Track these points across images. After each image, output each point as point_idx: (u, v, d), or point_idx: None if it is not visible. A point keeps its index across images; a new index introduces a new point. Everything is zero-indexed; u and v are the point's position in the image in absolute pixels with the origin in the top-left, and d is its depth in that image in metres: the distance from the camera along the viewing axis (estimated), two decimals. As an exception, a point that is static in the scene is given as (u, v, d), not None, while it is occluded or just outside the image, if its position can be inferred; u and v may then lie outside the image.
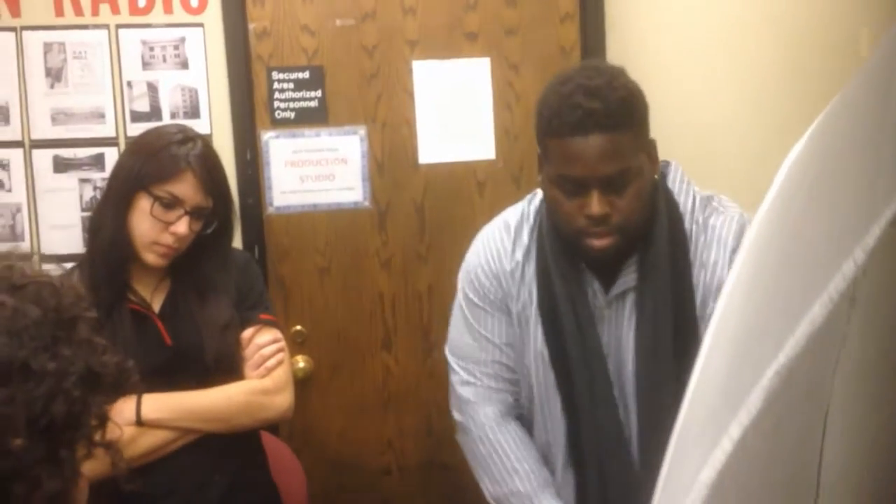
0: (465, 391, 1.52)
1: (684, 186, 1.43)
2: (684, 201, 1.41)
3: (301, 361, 2.38)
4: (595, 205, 1.25)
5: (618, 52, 2.36)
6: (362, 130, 2.37)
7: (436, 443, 2.43)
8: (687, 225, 1.40)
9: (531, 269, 1.44)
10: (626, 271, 1.39)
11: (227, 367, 1.60)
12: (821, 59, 2.38)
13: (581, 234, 1.31)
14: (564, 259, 1.39)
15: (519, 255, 1.46)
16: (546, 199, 1.37)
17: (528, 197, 1.53)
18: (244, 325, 1.65)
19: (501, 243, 1.48)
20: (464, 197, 2.42)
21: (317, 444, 2.42)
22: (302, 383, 2.38)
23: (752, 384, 0.33)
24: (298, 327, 2.38)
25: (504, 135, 2.42)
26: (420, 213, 2.41)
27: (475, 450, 1.52)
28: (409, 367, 2.45)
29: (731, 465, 0.34)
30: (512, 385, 1.52)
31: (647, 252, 1.35)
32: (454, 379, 1.55)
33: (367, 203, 2.39)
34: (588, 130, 1.22)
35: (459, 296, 1.54)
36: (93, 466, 0.90)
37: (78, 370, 0.79)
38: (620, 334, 1.41)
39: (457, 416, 1.56)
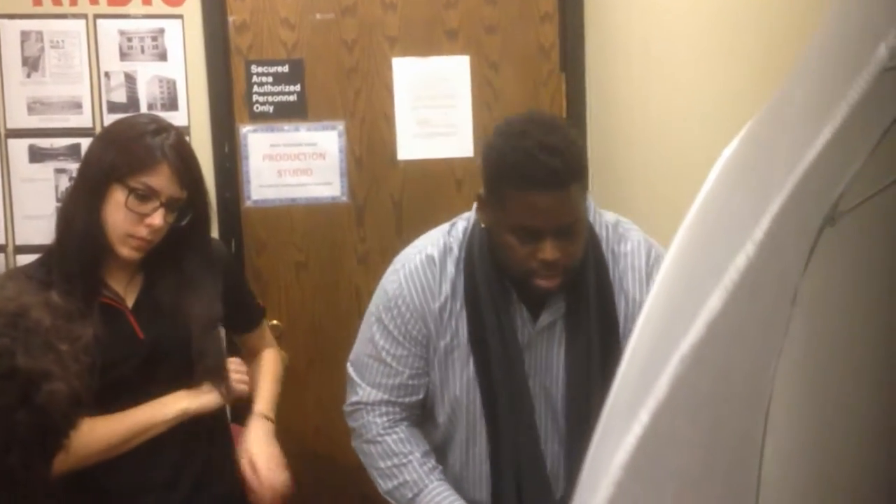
0: (360, 405, 1.57)
1: (597, 217, 1.51)
2: (599, 231, 1.50)
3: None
4: (549, 251, 1.33)
5: (596, 51, 2.38)
6: (341, 125, 2.37)
7: (410, 438, 2.44)
8: (604, 253, 1.49)
9: (459, 302, 1.48)
10: (553, 300, 1.46)
11: (211, 363, 1.59)
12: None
13: (531, 275, 1.38)
14: (497, 292, 1.45)
15: (447, 290, 1.49)
16: (496, 243, 1.42)
17: (446, 227, 1.55)
18: (242, 318, 1.72)
19: (426, 280, 1.49)
20: (442, 194, 2.43)
21: (292, 438, 2.42)
22: (277, 377, 2.38)
23: (661, 371, 0.34)
24: (275, 322, 2.38)
25: (483, 132, 2.42)
26: (398, 209, 2.42)
27: (367, 451, 1.60)
28: (384, 363, 2.45)
29: (644, 449, 0.35)
30: (409, 406, 1.57)
31: (575, 283, 1.43)
32: (351, 390, 1.60)
33: (344, 198, 2.39)
34: (549, 187, 1.29)
35: (372, 318, 1.55)
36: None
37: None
38: (550, 360, 1.49)
39: (350, 422, 1.62)
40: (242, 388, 1.66)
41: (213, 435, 1.70)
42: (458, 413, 1.53)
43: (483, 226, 1.45)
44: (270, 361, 1.85)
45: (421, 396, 1.56)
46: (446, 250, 1.50)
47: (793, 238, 0.56)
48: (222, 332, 1.72)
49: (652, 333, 0.37)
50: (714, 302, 0.33)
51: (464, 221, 1.53)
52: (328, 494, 2.46)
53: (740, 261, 0.33)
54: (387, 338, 1.52)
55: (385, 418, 1.56)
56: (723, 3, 2.19)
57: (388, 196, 2.41)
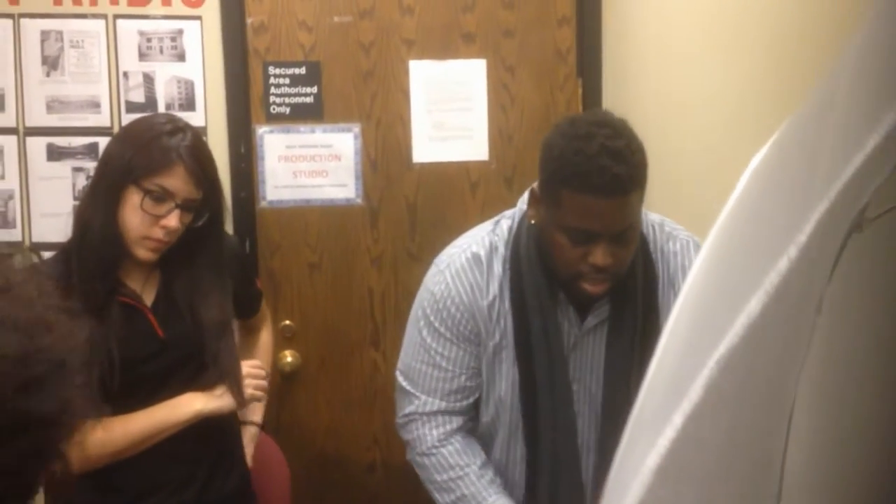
0: (415, 415, 1.54)
1: (643, 217, 1.46)
2: (646, 231, 1.48)
3: (289, 356, 2.39)
4: (602, 256, 1.31)
5: (613, 56, 2.37)
6: (357, 128, 2.38)
7: (421, 441, 2.44)
8: (652, 254, 1.46)
9: (506, 302, 1.46)
10: (600, 301, 1.43)
11: (225, 366, 1.60)
12: (819, 63, 2.38)
13: (578, 278, 1.36)
14: (544, 293, 1.43)
15: (494, 289, 1.46)
16: (547, 241, 1.39)
17: (489, 226, 1.53)
18: (245, 306, 1.78)
19: (475, 278, 1.46)
20: (456, 197, 2.43)
21: (302, 438, 2.43)
22: (289, 378, 2.39)
23: (695, 375, 0.34)
24: (287, 322, 2.39)
25: (498, 136, 2.43)
26: (412, 212, 2.42)
27: (423, 464, 1.56)
28: (396, 364, 2.45)
29: (676, 452, 0.35)
30: (464, 410, 1.54)
31: (624, 285, 1.41)
32: (404, 401, 1.56)
33: (359, 200, 2.40)
34: (611, 193, 1.27)
35: (420, 323, 1.52)
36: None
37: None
38: (596, 362, 1.47)
39: (404, 434, 1.59)
40: (258, 394, 1.66)
41: (223, 433, 1.71)
42: (502, 413, 1.51)
43: (533, 222, 1.42)
44: (264, 352, 1.88)
45: (476, 397, 1.53)
46: (492, 249, 1.47)
47: (825, 245, 0.56)
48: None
49: (683, 339, 0.37)
50: (753, 306, 0.33)
51: (508, 220, 1.51)
52: (338, 494, 2.47)
53: (782, 264, 0.33)
54: (438, 340, 1.49)
55: (441, 429, 1.52)
56: (741, 7, 2.18)
57: (402, 198, 2.41)
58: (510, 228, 1.48)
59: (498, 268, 1.46)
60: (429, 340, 1.50)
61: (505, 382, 1.49)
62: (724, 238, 0.41)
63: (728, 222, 0.41)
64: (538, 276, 1.42)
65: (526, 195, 1.48)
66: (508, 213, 1.54)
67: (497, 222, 1.51)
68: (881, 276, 0.63)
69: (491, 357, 1.48)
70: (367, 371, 2.45)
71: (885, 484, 0.63)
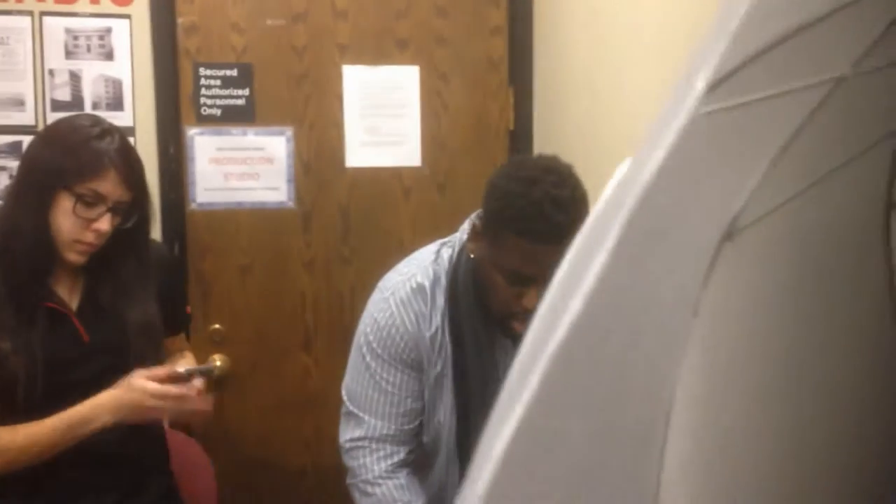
0: (363, 441, 1.55)
1: None
2: None
3: (218, 360, 2.36)
4: (534, 300, 1.32)
5: (544, 66, 2.42)
6: (289, 131, 2.37)
7: (353, 445, 2.44)
8: None
9: (447, 332, 1.48)
10: None
11: (149, 367, 1.58)
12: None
13: (510, 317, 1.38)
14: (480, 325, 1.45)
15: (437, 320, 1.48)
16: (483, 277, 1.40)
17: (431, 254, 1.53)
18: (169, 321, 1.68)
19: (419, 308, 1.48)
20: (389, 202, 2.44)
21: (232, 444, 2.41)
22: (218, 382, 2.37)
23: (533, 368, 0.36)
24: (217, 325, 2.37)
25: (431, 142, 2.45)
26: (345, 216, 2.43)
27: (367, 492, 1.56)
28: (328, 369, 2.45)
29: (521, 442, 0.36)
30: (410, 436, 1.56)
31: None
32: (351, 424, 1.56)
33: (291, 204, 2.39)
34: (551, 241, 1.27)
35: (364, 349, 1.52)
36: None
37: None
38: None
39: (348, 461, 1.59)
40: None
41: (148, 438, 1.69)
42: (440, 437, 1.53)
43: (472, 255, 1.44)
44: (187, 358, 1.86)
45: (420, 420, 1.54)
46: (435, 279, 1.48)
47: (688, 251, 0.59)
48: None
49: (532, 335, 0.39)
50: (575, 304, 0.35)
51: (449, 248, 1.52)
52: (269, 500, 2.45)
53: (596, 266, 0.35)
54: (383, 366, 1.50)
55: (387, 461, 1.53)
56: (668, 16, 2.24)
57: (335, 203, 2.41)
58: (450, 258, 1.49)
59: (440, 299, 1.48)
60: (373, 366, 1.51)
61: (445, 408, 1.51)
62: (574, 245, 0.43)
63: (583, 229, 0.44)
64: (474, 309, 1.44)
65: (466, 223, 1.49)
66: (449, 240, 1.55)
67: (438, 252, 1.52)
68: (761, 281, 0.66)
69: (432, 384, 1.51)
70: (298, 375, 2.44)
71: (761, 483, 0.66)
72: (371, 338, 1.51)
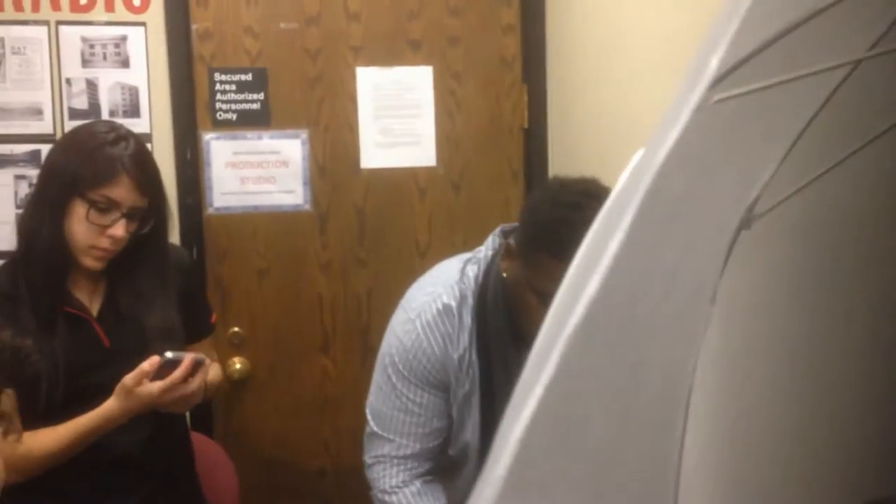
0: (385, 458, 1.54)
1: None
2: None
3: (238, 363, 2.38)
4: None
5: (557, 64, 2.42)
6: (304, 134, 2.38)
7: (372, 446, 2.44)
8: None
9: (475, 352, 1.46)
10: None
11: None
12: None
13: None
14: (509, 345, 1.44)
15: (465, 341, 1.46)
16: (515, 297, 1.39)
17: (455, 272, 1.50)
18: (190, 326, 1.67)
19: (446, 330, 1.46)
20: (404, 202, 2.45)
21: (251, 445, 2.42)
22: (238, 385, 2.38)
23: (552, 349, 0.37)
24: (236, 329, 2.38)
25: (445, 142, 2.45)
26: (360, 218, 2.43)
27: (383, 503, 1.57)
28: (346, 370, 2.46)
29: (539, 425, 0.37)
30: (434, 451, 1.55)
31: None
32: (375, 443, 1.56)
33: (307, 206, 2.40)
34: None
35: (389, 370, 1.50)
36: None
37: None
38: None
39: (369, 474, 1.59)
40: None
41: (172, 441, 1.70)
42: (468, 453, 1.53)
43: (504, 275, 1.42)
44: (214, 366, 1.83)
45: (446, 435, 1.54)
46: (462, 299, 1.45)
47: (705, 239, 0.59)
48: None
49: (550, 318, 0.39)
50: (592, 285, 0.35)
51: (474, 266, 1.49)
52: (288, 501, 2.46)
53: (611, 248, 0.35)
54: (409, 387, 1.48)
55: (406, 474, 1.53)
56: (677, 13, 2.23)
57: (350, 204, 2.42)
58: (476, 277, 1.47)
59: (467, 318, 1.45)
60: (399, 387, 1.49)
61: (472, 427, 1.51)
62: (592, 230, 0.44)
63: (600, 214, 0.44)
64: (503, 329, 1.43)
65: (490, 239, 1.48)
66: (473, 256, 1.52)
67: (463, 270, 1.49)
68: (776, 268, 0.66)
69: (460, 403, 1.50)
70: (316, 377, 2.45)
71: (776, 464, 0.66)
72: (397, 359, 1.49)
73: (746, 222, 0.61)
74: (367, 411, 1.58)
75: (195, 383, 1.53)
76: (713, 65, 0.39)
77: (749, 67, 0.51)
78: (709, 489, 0.61)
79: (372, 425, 1.56)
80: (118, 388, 1.49)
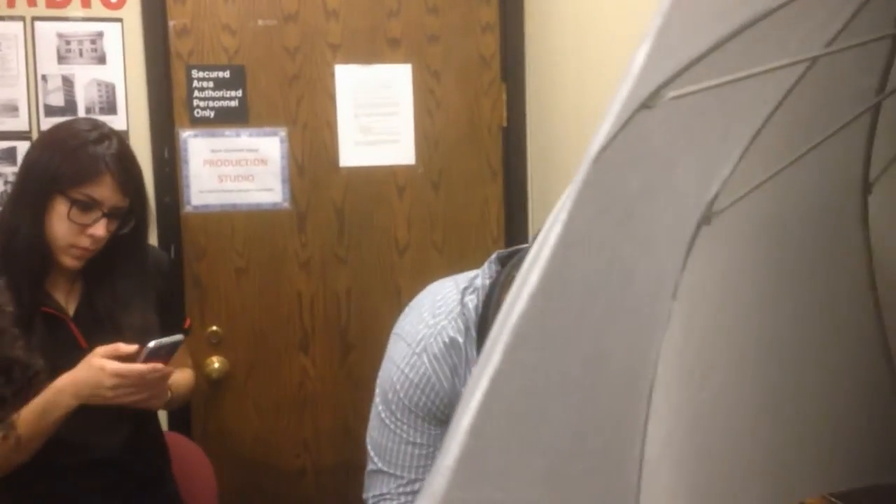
0: (387, 495, 1.46)
1: None
2: None
3: (216, 362, 2.37)
4: None
5: (536, 63, 2.42)
6: (283, 132, 2.38)
7: (352, 444, 2.44)
8: None
9: None
10: None
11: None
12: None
13: None
14: None
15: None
16: None
17: (455, 304, 1.42)
18: (166, 330, 1.60)
19: (453, 363, 1.39)
20: (383, 200, 2.45)
21: (231, 445, 2.41)
22: (216, 384, 2.37)
23: (497, 340, 0.37)
24: (214, 328, 2.37)
25: (424, 140, 2.45)
26: (340, 216, 2.43)
27: None
28: (326, 369, 2.46)
29: (489, 414, 0.37)
30: None
31: None
32: (378, 479, 1.47)
33: (286, 204, 2.40)
34: None
35: (392, 406, 1.43)
36: None
37: None
38: None
39: None
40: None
41: (148, 444, 1.70)
42: None
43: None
44: (185, 371, 1.79)
45: None
46: (466, 332, 1.40)
47: (664, 235, 0.59)
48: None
49: (501, 312, 0.40)
50: (533, 276, 0.36)
51: (472, 296, 1.43)
52: (268, 501, 2.45)
53: (552, 239, 0.36)
54: (416, 422, 1.43)
55: (408, 500, 1.46)
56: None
57: (329, 202, 2.42)
58: (476, 308, 1.40)
59: (472, 352, 1.39)
60: (405, 421, 1.43)
61: None
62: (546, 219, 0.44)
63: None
64: None
65: (486, 268, 1.42)
66: (470, 285, 1.45)
67: (463, 301, 1.42)
68: (735, 263, 0.67)
69: None
70: (296, 376, 2.45)
71: (740, 456, 0.67)
72: (402, 395, 1.42)
73: (706, 218, 0.61)
74: (370, 448, 1.51)
75: (154, 383, 1.50)
76: (640, 59, 0.39)
77: (706, 66, 0.52)
78: (671, 482, 0.62)
79: (376, 462, 1.48)
80: (86, 357, 1.46)
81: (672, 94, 0.49)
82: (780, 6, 0.50)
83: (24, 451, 1.48)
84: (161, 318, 1.65)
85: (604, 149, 0.37)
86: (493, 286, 1.39)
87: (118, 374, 1.45)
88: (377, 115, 2.42)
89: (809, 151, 0.64)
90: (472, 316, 1.39)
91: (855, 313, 0.76)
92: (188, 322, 1.86)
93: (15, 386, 0.90)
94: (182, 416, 2.30)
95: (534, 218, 2.50)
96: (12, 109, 2.22)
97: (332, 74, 2.38)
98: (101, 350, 1.47)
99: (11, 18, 2.20)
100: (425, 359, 1.39)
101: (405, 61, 2.42)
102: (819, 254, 0.71)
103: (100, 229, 1.50)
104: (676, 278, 0.61)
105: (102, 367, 1.45)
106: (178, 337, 1.52)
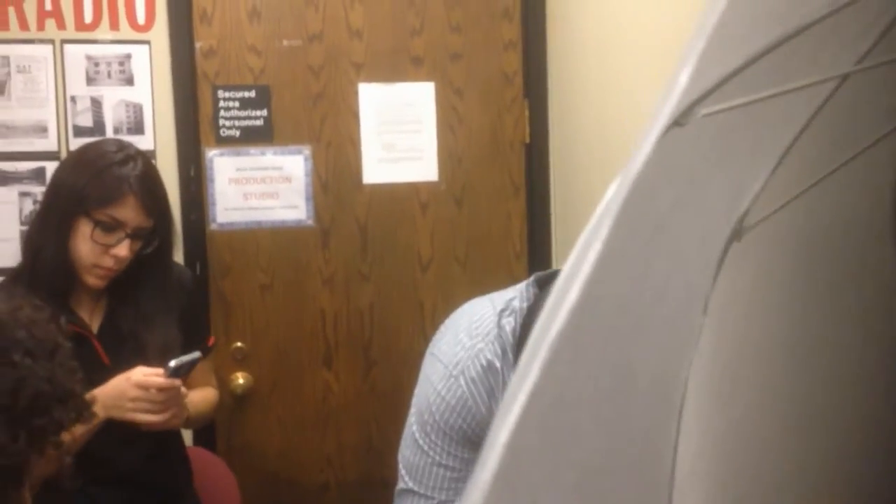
0: None
1: None
2: None
3: (240, 378, 2.38)
4: None
5: (559, 80, 2.43)
6: (307, 150, 2.40)
7: (376, 459, 2.44)
8: None
9: None
10: None
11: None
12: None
13: None
14: None
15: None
16: None
17: (492, 326, 1.41)
18: (188, 348, 1.62)
19: (490, 387, 1.38)
20: (406, 217, 2.46)
21: (255, 460, 2.42)
22: (241, 399, 2.39)
23: (534, 356, 0.37)
24: (239, 344, 2.39)
25: (447, 157, 2.47)
26: (363, 233, 2.45)
27: None
28: (349, 384, 2.46)
29: (525, 429, 0.37)
30: None
31: None
32: (407, 500, 1.45)
33: (310, 222, 2.41)
34: None
35: (428, 427, 1.42)
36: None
37: (44, 375, 0.95)
38: None
39: None
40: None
41: (170, 459, 1.71)
42: None
43: None
44: (207, 390, 1.80)
45: None
46: (503, 356, 1.38)
47: (695, 250, 0.60)
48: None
49: (537, 327, 0.40)
50: (573, 292, 0.36)
51: (510, 319, 1.41)
52: (292, 518, 2.46)
53: (591, 256, 0.36)
54: (450, 444, 1.41)
55: None
56: (678, 29, 2.25)
57: (353, 219, 2.44)
58: (513, 331, 1.39)
59: (508, 376, 1.37)
60: (439, 443, 1.42)
61: None
62: (581, 236, 0.45)
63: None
64: None
65: (523, 289, 1.40)
66: (508, 307, 1.43)
67: (500, 324, 1.41)
68: (767, 279, 0.67)
69: None
70: (319, 392, 2.45)
71: (770, 472, 0.67)
72: (437, 416, 1.41)
73: (737, 234, 0.61)
74: (401, 466, 1.50)
75: (176, 398, 1.52)
76: (682, 81, 0.40)
77: (736, 82, 0.52)
78: (702, 499, 0.62)
79: (407, 481, 1.45)
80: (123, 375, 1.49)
81: (704, 111, 0.49)
82: (814, 23, 0.50)
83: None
84: (184, 335, 1.66)
85: (655, 170, 0.38)
86: (531, 309, 1.38)
87: (140, 385, 1.48)
88: (400, 133, 2.44)
89: (841, 167, 0.64)
90: (510, 339, 1.38)
91: (886, 328, 0.75)
92: (212, 340, 1.87)
93: (70, 416, 1.00)
94: (207, 431, 2.31)
95: (556, 233, 2.50)
96: (41, 130, 2.26)
97: (356, 93, 2.41)
98: (140, 370, 1.50)
99: (41, 41, 2.25)
100: (462, 381, 1.38)
101: (428, 79, 2.44)
102: (849, 269, 0.71)
103: (123, 250, 1.52)
104: (707, 294, 0.61)
105: (128, 377, 1.49)
106: (195, 354, 1.54)
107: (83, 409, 1.04)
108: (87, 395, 1.46)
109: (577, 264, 0.37)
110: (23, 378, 0.95)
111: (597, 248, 0.36)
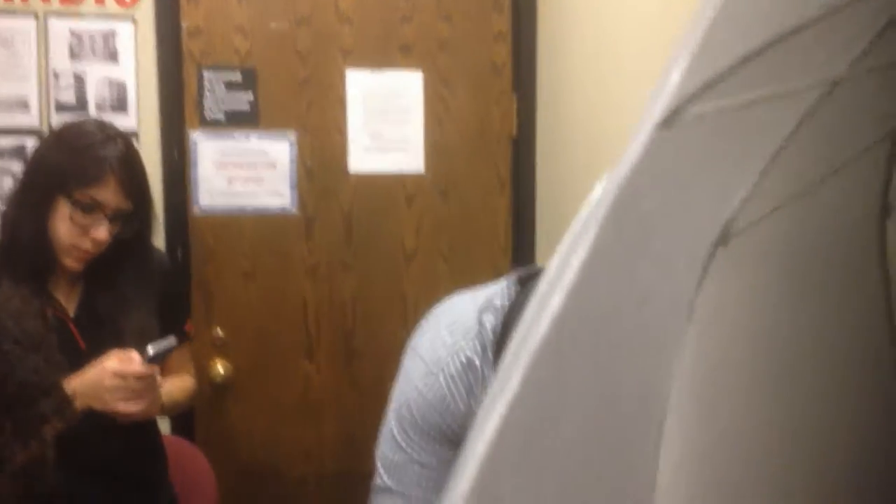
0: None
1: None
2: None
3: (220, 366, 2.36)
4: None
5: (548, 73, 2.41)
6: (293, 136, 2.37)
7: (356, 452, 2.42)
8: None
9: None
10: None
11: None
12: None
13: None
14: None
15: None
16: None
17: (473, 324, 1.39)
18: (165, 333, 1.59)
19: (469, 385, 1.37)
20: (391, 208, 2.44)
21: (233, 450, 2.40)
22: (220, 388, 2.36)
23: (514, 366, 0.36)
24: (219, 331, 2.36)
25: (433, 148, 2.44)
26: (347, 222, 2.42)
27: None
28: (330, 376, 2.44)
29: (503, 441, 0.36)
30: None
31: None
32: (384, 498, 1.43)
33: (294, 209, 2.39)
34: None
35: (405, 424, 1.41)
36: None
37: (31, 366, 0.90)
38: None
39: None
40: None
41: (146, 450, 1.69)
42: None
43: None
44: (184, 378, 1.77)
45: None
46: (483, 354, 1.38)
47: (681, 255, 0.58)
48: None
49: (517, 335, 0.39)
50: (556, 300, 0.35)
51: (491, 316, 1.40)
52: (267, 507, 2.44)
53: (575, 263, 0.35)
54: (430, 442, 1.41)
55: None
56: (670, 23, 2.23)
57: (337, 208, 2.41)
58: (494, 329, 1.38)
59: (488, 373, 1.37)
60: (417, 440, 1.41)
61: None
62: (563, 239, 0.43)
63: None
64: None
65: (504, 287, 1.40)
66: (489, 305, 1.42)
67: (481, 320, 1.40)
68: (754, 285, 0.66)
69: None
70: (300, 382, 2.43)
71: (754, 484, 0.66)
72: (416, 413, 1.40)
73: (724, 238, 0.60)
74: (379, 463, 1.50)
75: (152, 386, 1.49)
76: (675, 79, 0.38)
77: (726, 84, 0.50)
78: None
79: (384, 479, 1.45)
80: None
81: (695, 111, 0.48)
82: (805, 25, 0.49)
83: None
84: (162, 321, 1.64)
85: (641, 172, 0.36)
86: (512, 308, 1.37)
87: (118, 374, 1.45)
88: (387, 122, 2.41)
89: (830, 174, 0.62)
90: (490, 336, 1.37)
91: (874, 337, 0.74)
92: (190, 327, 1.85)
93: (53, 409, 0.97)
94: (185, 419, 2.29)
95: (541, 229, 2.49)
96: (23, 105, 2.22)
97: (343, 79, 2.38)
98: (114, 352, 1.47)
99: (24, 14, 2.20)
100: (441, 378, 1.38)
101: (416, 68, 2.41)
102: (836, 277, 0.70)
103: (102, 232, 1.50)
104: (692, 300, 0.60)
105: (103, 365, 1.46)
106: (171, 339, 1.52)
107: (65, 406, 1.00)
108: (66, 389, 1.45)
109: (560, 269, 0.35)
110: (11, 366, 0.92)
111: (581, 255, 0.34)
